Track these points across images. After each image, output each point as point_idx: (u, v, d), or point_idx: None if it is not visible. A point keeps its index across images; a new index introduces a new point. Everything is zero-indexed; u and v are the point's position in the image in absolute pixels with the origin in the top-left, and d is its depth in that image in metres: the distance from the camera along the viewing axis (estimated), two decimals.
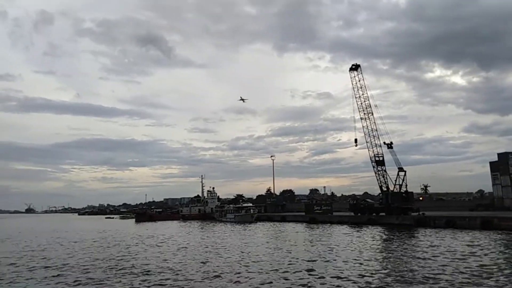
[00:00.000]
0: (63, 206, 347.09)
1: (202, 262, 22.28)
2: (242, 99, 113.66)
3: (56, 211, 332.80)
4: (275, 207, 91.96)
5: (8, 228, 77.91)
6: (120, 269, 20.28)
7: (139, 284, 16.62)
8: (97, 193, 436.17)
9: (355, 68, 57.47)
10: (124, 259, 24.41)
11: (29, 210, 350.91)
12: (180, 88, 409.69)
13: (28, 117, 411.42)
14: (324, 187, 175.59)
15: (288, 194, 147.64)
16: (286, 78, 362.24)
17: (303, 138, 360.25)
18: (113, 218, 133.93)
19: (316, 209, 67.45)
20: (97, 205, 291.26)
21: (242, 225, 61.34)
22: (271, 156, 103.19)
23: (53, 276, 18.83)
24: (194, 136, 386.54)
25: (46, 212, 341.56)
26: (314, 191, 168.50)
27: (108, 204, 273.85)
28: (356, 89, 56.79)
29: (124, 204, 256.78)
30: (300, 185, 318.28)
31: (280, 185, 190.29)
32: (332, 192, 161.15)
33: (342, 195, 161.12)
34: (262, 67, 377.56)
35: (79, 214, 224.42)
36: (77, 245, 34.54)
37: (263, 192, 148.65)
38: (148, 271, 19.59)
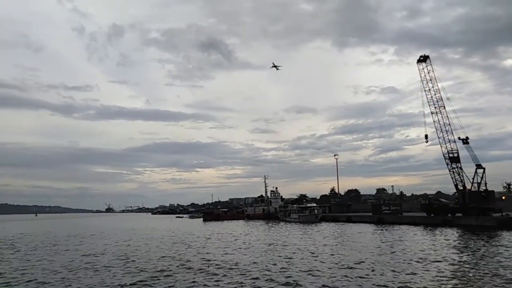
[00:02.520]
0: (138, 206, 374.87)
1: (273, 262, 22.76)
2: (275, 66, 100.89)
3: (131, 211, 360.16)
4: (340, 207, 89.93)
5: (98, 226, 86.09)
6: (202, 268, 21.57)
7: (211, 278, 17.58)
8: (167, 194, 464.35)
9: (423, 59, 54.34)
10: (204, 256, 25.87)
11: (109, 210, 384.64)
12: (241, 90, 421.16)
13: (104, 123, 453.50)
14: (392, 186, 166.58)
15: (353, 194, 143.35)
16: (348, 74, 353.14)
17: (368, 136, 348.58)
18: (182, 217, 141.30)
19: (384, 209, 64.70)
20: (168, 205, 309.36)
21: (306, 225, 61.05)
22: (335, 155, 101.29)
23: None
24: (256, 137, 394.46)
25: (123, 211, 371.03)
26: (381, 191, 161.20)
27: (177, 204, 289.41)
28: (425, 82, 53.69)
29: (192, 204, 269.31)
30: (366, 184, 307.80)
31: (344, 185, 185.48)
32: (401, 192, 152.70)
33: (412, 194, 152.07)
34: (322, 64, 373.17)
35: (152, 214, 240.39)
36: (164, 242, 37.29)
37: (326, 192, 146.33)
38: (221, 267, 20.62)
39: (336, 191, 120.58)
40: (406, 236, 36.12)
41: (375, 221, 59.44)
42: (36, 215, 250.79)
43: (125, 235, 49.42)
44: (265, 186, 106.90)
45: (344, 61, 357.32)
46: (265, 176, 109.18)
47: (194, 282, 16.89)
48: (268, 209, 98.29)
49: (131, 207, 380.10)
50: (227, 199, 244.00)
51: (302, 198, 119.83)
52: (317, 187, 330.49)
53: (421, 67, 54.34)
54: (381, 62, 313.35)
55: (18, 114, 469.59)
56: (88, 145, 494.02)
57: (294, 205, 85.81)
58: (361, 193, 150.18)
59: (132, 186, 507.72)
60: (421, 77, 54.06)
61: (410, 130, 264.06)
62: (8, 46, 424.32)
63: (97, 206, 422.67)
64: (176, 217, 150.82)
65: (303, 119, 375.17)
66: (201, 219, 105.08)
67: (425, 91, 53.52)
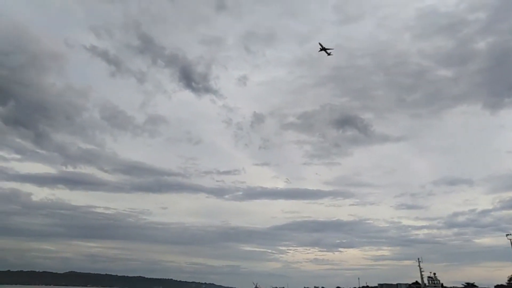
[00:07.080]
0: (283, 286, 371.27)
1: None
2: (325, 49, 77.83)
3: None
4: None
5: None
6: None
7: None
8: (311, 275, 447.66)
9: None
10: None
11: None
12: (380, 164, 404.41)
13: (250, 204, 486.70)
14: None
15: None
16: (507, 138, 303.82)
17: None
18: None
19: None
20: (312, 287, 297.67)
21: None
22: (507, 234, 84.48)
23: None
24: (402, 214, 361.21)
25: None
26: None
27: (322, 287, 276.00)
28: None
29: (338, 287, 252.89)
30: None
31: None
32: None
33: None
34: (472, 129, 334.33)
35: None
36: None
37: (503, 281, 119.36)
38: None
39: None
40: None
41: None
42: None
43: None
44: (420, 271, 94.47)
45: (499, 124, 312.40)
46: (418, 259, 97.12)
47: None
48: None
49: (276, 287, 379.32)
50: (376, 284, 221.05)
51: (470, 287, 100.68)
52: (488, 274, 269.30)
53: None
54: None
55: (181, 197, 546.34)
56: (237, 224, 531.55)
57: None
58: None
59: (277, 266, 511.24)
60: None
61: None
62: (175, 141, 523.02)
63: (245, 285, 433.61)
64: None
65: (457, 191, 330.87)
66: None
67: None
